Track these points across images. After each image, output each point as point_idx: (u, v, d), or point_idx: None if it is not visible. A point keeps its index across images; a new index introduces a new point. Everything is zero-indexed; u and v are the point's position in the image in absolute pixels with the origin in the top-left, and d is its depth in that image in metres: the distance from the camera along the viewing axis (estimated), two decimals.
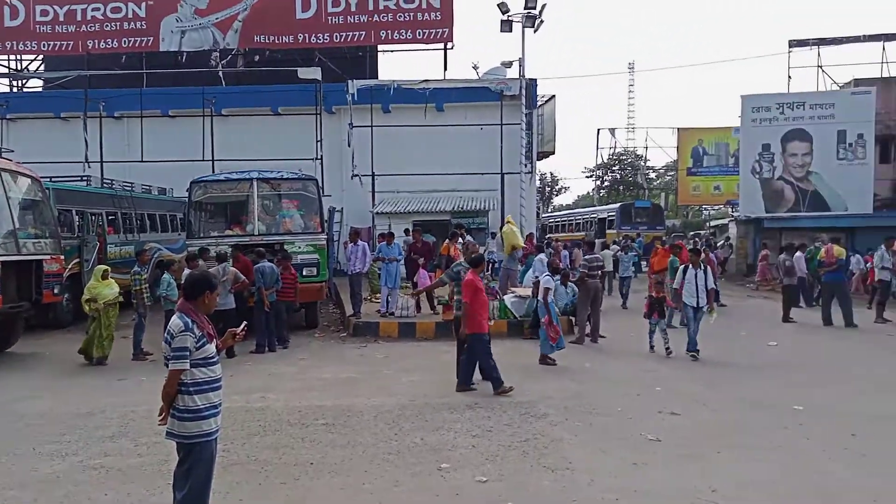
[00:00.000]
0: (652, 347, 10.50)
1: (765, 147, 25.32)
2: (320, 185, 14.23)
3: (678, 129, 39.77)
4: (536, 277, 11.99)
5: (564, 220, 39.87)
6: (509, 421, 6.76)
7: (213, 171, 17.65)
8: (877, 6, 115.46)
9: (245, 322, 4.53)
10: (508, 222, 15.37)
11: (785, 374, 9.15)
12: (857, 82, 26.42)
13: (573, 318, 12.15)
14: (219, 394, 3.97)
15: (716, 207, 45.38)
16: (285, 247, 12.18)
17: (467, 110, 22.98)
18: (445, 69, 25.13)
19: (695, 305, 10.24)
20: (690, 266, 10.51)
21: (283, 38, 25.09)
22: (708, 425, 6.70)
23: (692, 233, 38.79)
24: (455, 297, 8.68)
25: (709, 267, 10.71)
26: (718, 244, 26.01)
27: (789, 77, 27.19)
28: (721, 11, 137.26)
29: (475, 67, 25.68)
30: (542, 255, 13.01)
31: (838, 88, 26.83)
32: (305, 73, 20.47)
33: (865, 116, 24.53)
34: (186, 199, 13.27)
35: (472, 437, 6.22)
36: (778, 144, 25.18)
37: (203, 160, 20.00)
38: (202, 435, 3.87)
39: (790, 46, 27.27)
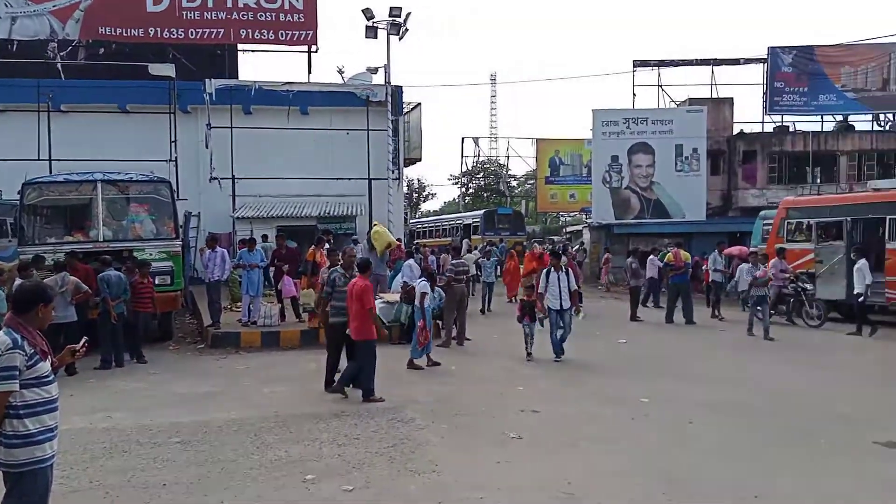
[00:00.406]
0: (529, 355, 10.33)
1: (613, 158, 27.24)
2: (174, 188, 13.42)
3: (537, 139, 41.75)
4: (405, 282, 12.06)
5: (431, 226, 40.45)
6: (376, 428, 6.72)
7: (51, 172, 16.13)
8: (710, 33, 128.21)
9: (85, 337, 4.15)
10: (375, 226, 15.41)
11: (633, 369, 9.85)
12: (692, 101, 29.13)
13: (440, 322, 12.33)
14: (55, 416, 3.60)
15: (571, 214, 48.09)
16: (135, 254, 11.36)
17: (333, 115, 22.69)
18: (310, 72, 24.70)
19: (557, 308, 10.29)
20: (552, 269, 10.54)
21: (132, 31, 23.46)
22: (565, 420, 7.05)
23: (549, 238, 40.76)
24: (334, 304, 8.36)
25: (570, 269, 10.82)
26: (574, 249, 27.52)
27: (634, 94, 29.46)
28: (577, 29, 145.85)
29: (341, 72, 25.44)
30: (410, 261, 13.10)
31: (676, 106, 29.41)
32: (157, 69, 19.23)
33: (699, 132, 27.13)
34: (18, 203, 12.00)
35: (338, 447, 6.12)
36: (625, 156, 27.19)
37: (39, 159, 18.19)
38: (34, 462, 3.49)
39: (635, 66, 29.54)
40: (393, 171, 22.19)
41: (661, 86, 29.71)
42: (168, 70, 19.21)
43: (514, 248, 27.20)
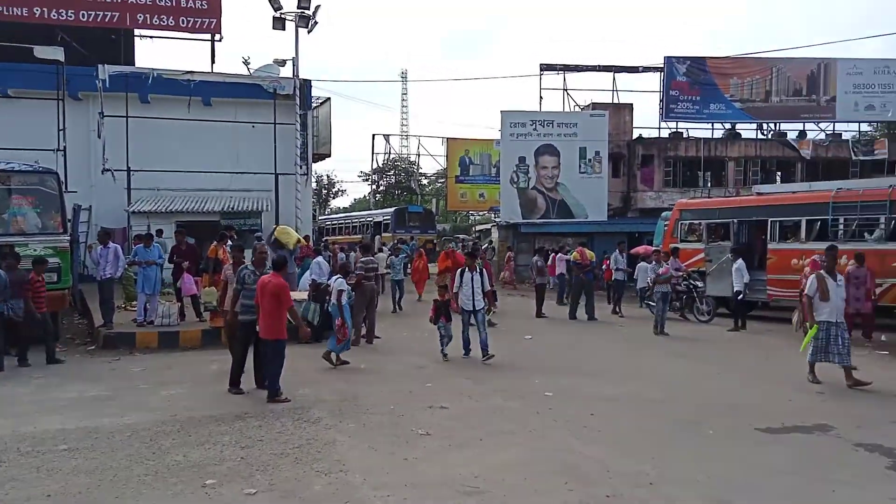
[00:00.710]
0: (445, 356, 10.17)
1: (521, 159, 27.89)
2: (62, 179, 12.56)
3: (447, 138, 42.08)
4: (314, 280, 11.81)
5: (341, 223, 39.98)
6: (281, 428, 6.56)
7: None
8: (611, 42, 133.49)
9: None
10: (279, 227, 15.18)
11: (538, 364, 10.11)
12: (595, 106, 30.25)
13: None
14: None
15: (481, 213, 48.81)
16: (16, 249, 10.54)
17: (238, 107, 21.92)
18: (213, 62, 23.82)
19: (471, 308, 10.11)
20: (466, 269, 10.33)
21: (15, 9, 21.71)
22: (473, 416, 7.14)
23: (460, 236, 41.21)
24: (243, 301, 8.10)
25: (485, 269, 10.58)
26: (483, 247, 27.97)
27: (541, 97, 30.27)
28: (485, 30, 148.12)
29: (246, 63, 24.73)
30: (319, 258, 12.85)
31: (580, 110, 30.45)
32: (44, 52, 17.91)
33: (601, 136, 28.22)
34: None
35: (241, 449, 5.92)
36: (532, 157, 27.90)
37: None
38: None
39: (541, 70, 30.36)
40: (301, 167, 21.72)
41: (566, 90, 30.69)
42: (56, 53, 17.93)
43: (425, 245, 27.29)
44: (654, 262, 14.18)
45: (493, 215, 39.10)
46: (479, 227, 44.99)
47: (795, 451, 6.00)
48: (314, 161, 27.07)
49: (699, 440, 6.35)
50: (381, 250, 21.38)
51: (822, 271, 9.02)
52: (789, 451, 6.03)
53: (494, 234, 30.24)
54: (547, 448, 6.05)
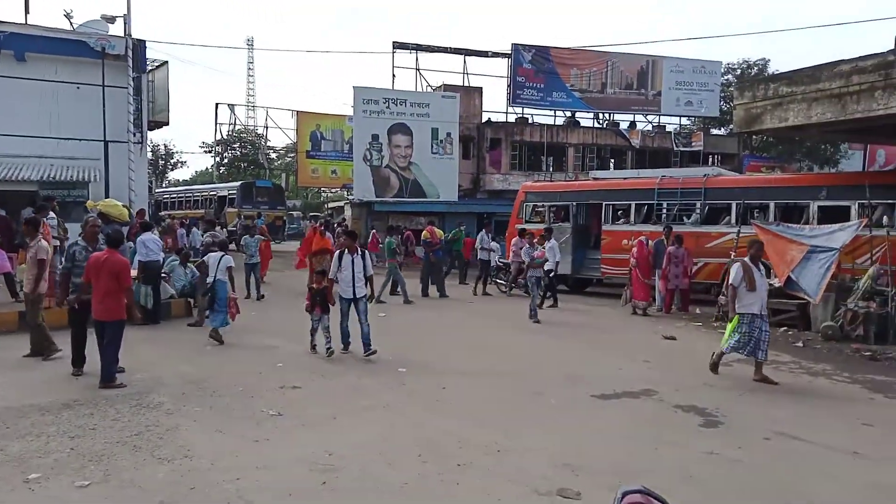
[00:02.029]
0: (314, 347, 9.07)
1: (374, 137, 27.73)
2: None
3: (297, 112, 40.76)
4: (139, 261, 10.93)
5: (181, 197, 37.52)
6: (117, 416, 6.09)
7: None
8: (463, 25, 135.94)
9: None
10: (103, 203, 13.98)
11: (392, 341, 10.15)
12: (446, 87, 30.72)
13: (192, 301, 11.53)
14: None
15: (333, 190, 47.99)
16: None
17: (59, 64, 19.69)
18: (27, 13, 21.11)
19: (350, 297, 8.82)
20: (346, 251, 8.93)
21: None
22: (326, 394, 7.07)
23: (311, 214, 40.30)
24: (74, 280, 7.42)
25: (366, 251, 9.36)
26: (321, 224, 27.54)
27: (394, 75, 30.18)
28: (342, 4, 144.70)
29: (69, 17, 22.08)
30: (146, 236, 11.36)
31: (432, 91, 30.79)
32: None
33: (452, 118, 28.77)
34: None
35: (70, 440, 5.42)
36: (385, 136, 27.83)
37: None
38: None
39: (394, 48, 30.24)
40: (135, 134, 20.05)
41: (419, 69, 30.86)
42: None
43: (274, 222, 26.39)
44: (527, 245, 13.28)
45: (346, 192, 38.62)
46: (331, 205, 44.26)
47: (625, 415, 6.59)
48: (150, 129, 25.11)
49: (544, 409, 6.75)
50: (224, 226, 20.39)
51: (746, 259, 8.28)
52: (620, 415, 6.60)
53: (347, 212, 29.96)
54: (401, 423, 6.15)
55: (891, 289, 10.66)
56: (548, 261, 13.54)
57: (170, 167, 56.77)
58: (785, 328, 11.65)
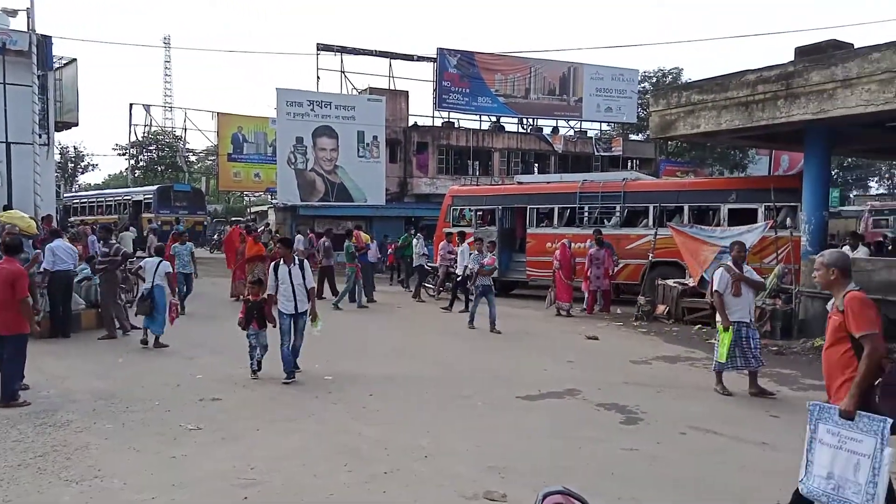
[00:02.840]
0: (255, 372, 8.01)
1: (298, 140, 27.26)
2: None
3: (218, 113, 39.57)
4: (45, 269, 10.29)
5: (93, 202, 35.69)
6: (20, 437, 5.71)
7: None
8: (388, 29, 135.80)
9: None
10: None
11: (319, 349, 9.96)
12: (372, 91, 30.57)
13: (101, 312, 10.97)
14: None
15: (256, 194, 46.82)
16: None
17: None
18: None
19: (291, 312, 7.91)
20: (282, 261, 8.00)
21: None
22: (248, 405, 6.86)
23: (233, 218, 39.19)
24: None
25: (305, 261, 8.33)
26: (259, 230, 26.89)
27: (318, 77, 29.79)
28: (263, 3, 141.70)
29: None
30: (58, 242, 10.77)
31: (358, 94, 30.56)
32: None
33: (378, 121, 28.65)
34: None
35: None
36: (310, 138, 27.42)
37: None
38: None
39: (318, 49, 29.85)
40: (40, 136, 18.91)
41: (343, 72, 30.57)
42: None
43: (194, 227, 25.55)
44: (475, 252, 12.53)
45: (269, 196, 37.76)
46: (254, 209, 43.17)
47: (550, 415, 6.70)
48: (58, 130, 23.76)
49: (470, 412, 6.79)
50: (126, 229, 19.67)
51: (729, 263, 7.87)
52: (545, 415, 6.72)
53: (271, 216, 29.27)
54: (326, 432, 6.03)
55: (795, 286, 11.33)
56: (495, 268, 12.94)
57: (80, 170, 53.94)
58: (699, 326, 12.17)
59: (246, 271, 14.82)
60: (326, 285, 15.95)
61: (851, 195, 46.76)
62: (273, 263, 8.20)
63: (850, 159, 41.01)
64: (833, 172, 41.83)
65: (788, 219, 13.05)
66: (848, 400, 3.72)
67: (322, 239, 17.23)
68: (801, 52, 11.25)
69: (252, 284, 8.61)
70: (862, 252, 11.78)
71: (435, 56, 31.77)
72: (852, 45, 10.80)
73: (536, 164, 34.69)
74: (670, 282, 13.40)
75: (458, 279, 14.51)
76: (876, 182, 54.07)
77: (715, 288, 7.65)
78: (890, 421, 3.58)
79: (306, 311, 8.05)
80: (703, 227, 13.35)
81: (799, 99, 10.59)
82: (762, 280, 7.51)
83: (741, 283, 7.55)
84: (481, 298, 11.95)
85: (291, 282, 7.87)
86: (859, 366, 3.76)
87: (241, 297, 14.47)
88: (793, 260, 11.73)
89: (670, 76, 40.08)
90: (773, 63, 11.09)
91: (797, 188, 12.25)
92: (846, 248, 12.01)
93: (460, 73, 32.30)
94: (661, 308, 13.21)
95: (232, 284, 15.43)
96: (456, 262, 16.20)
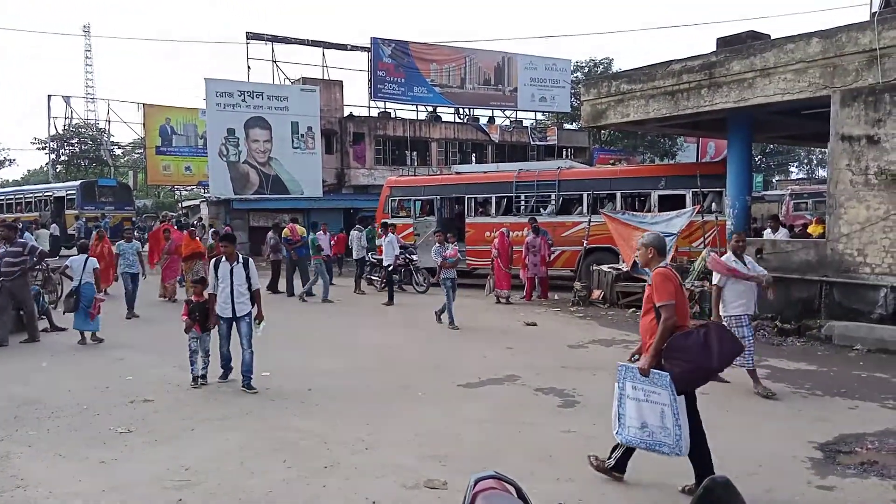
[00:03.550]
0: (196, 379, 7.37)
1: (230, 131, 26.54)
2: None
3: (144, 104, 38.08)
4: None
5: (11, 199, 33.83)
6: None
7: None
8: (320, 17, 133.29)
9: None
10: None
11: (256, 342, 9.80)
12: (305, 80, 30.01)
13: (22, 315, 10.42)
14: None
15: (188, 188, 45.37)
16: None
17: None
18: None
19: (229, 316, 7.30)
20: (224, 259, 7.31)
21: None
22: (181, 405, 6.66)
23: (163, 213, 37.86)
24: None
25: (250, 259, 7.56)
26: (192, 224, 26.07)
27: (248, 67, 29.02)
28: None
29: None
30: None
31: (290, 84, 29.95)
32: None
33: (313, 111, 28.18)
34: None
35: None
36: (242, 130, 26.73)
37: None
38: None
39: (248, 38, 29.07)
40: None
41: (275, 61, 29.88)
42: None
43: (121, 224, 24.65)
44: (437, 244, 11.93)
45: (202, 190, 36.65)
46: (186, 203, 41.76)
47: (490, 402, 6.78)
48: None
49: (411, 402, 6.79)
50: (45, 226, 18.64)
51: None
52: (485, 401, 6.79)
53: (204, 211, 28.41)
54: (264, 428, 5.93)
55: None
56: (459, 260, 12.31)
57: None
58: (633, 309, 12.53)
59: (182, 270, 14.45)
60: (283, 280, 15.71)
61: (774, 180, 48.95)
62: (213, 260, 7.54)
63: (771, 145, 42.99)
64: (756, 158, 43.83)
65: (714, 203, 13.57)
66: (644, 360, 4.48)
67: (269, 233, 16.94)
68: (722, 42, 11.68)
69: (194, 284, 8.01)
70: (782, 234, 12.36)
71: (369, 45, 31.43)
72: (769, 36, 11.29)
73: (474, 154, 34.88)
74: (605, 267, 13.74)
75: (387, 270, 14.46)
76: (796, 167, 56.83)
77: (715, 282, 7.16)
78: (667, 374, 4.33)
79: (247, 314, 7.32)
80: (634, 213, 13.73)
81: (721, 88, 11.00)
82: (759, 274, 7.05)
83: (739, 276, 6.98)
84: (451, 293, 11.23)
85: (231, 282, 7.22)
86: (656, 331, 4.44)
87: (171, 298, 14.18)
88: (719, 243, 12.20)
89: (601, 66, 40.91)
90: (697, 54, 11.48)
91: (722, 174, 12.74)
92: (767, 231, 12.59)
93: (395, 63, 32.07)
94: (596, 293, 13.53)
95: (161, 285, 14.71)
96: (401, 253, 15.86)
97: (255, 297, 7.39)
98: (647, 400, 4.44)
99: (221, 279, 7.27)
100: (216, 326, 7.45)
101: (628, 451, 4.67)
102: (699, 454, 4.45)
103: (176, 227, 16.65)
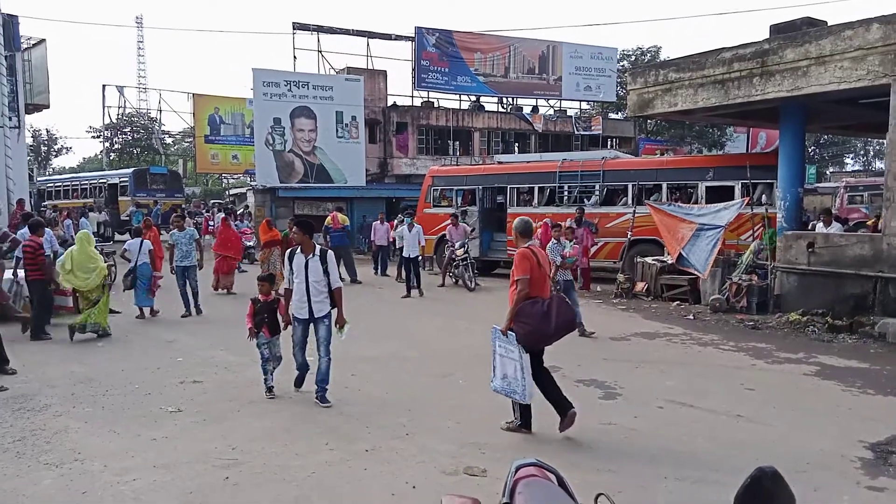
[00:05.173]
0: (270, 389, 6.56)
1: (276, 121, 26.92)
2: None
3: (194, 94, 38.94)
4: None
5: (68, 185, 35.10)
6: None
7: None
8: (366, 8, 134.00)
9: None
10: None
11: None
12: (350, 70, 30.22)
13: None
14: None
15: (235, 176, 46.31)
16: None
17: None
18: None
19: (305, 317, 6.37)
20: (299, 250, 6.38)
21: None
22: (228, 387, 6.85)
23: (213, 201, 38.75)
24: None
25: (328, 251, 6.53)
26: (239, 212, 26.59)
27: (295, 57, 29.38)
28: None
29: None
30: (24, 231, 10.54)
31: (335, 74, 30.21)
32: None
33: (357, 101, 28.35)
34: None
35: None
36: (288, 119, 27.08)
37: None
38: None
39: (294, 29, 29.39)
40: (10, 118, 18.53)
41: (321, 51, 30.17)
42: None
43: (173, 210, 25.30)
44: (553, 241, 9.91)
45: (248, 178, 37.34)
46: (233, 191, 42.67)
47: None
48: (28, 112, 23.28)
49: (451, 391, 6.84)
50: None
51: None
52: None
53: (250, 199, 28.96)
54: (307, 413, 6.06)
55: (770, 262, 11.50)
56: (577, 259, 10.95)
57: (53, 154, 52.96)
58: (678, 302, 12.33)
59: (261, 259, 14.04)
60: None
61: (828, 172, 47.37)
62: (288, 252, 6.54)
63: (825, 136, 41.51)
64: (810, 149, 42.42)
65: (764, 196, 13.21)
66: (504, 323, 5.53)
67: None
68: (775, 29, 11.31)
69: (262, 281, 6.85)
70: (835, 228, 11.97)
71: (413, 35, 31.45)
72: (826, 22, 10.89)
73: (517, 144, 34.64)
74: (649, 259, 13.53)
75: (409, 260, 13.91)
76: (851, 158, 54.83)
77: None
78: (512, 334, 5.41)
79: (326, 315, 6.32)
80: (680, 204, 13.47)
81: (774, 76, 10.67)
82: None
83: None
84: (569, 293, 9.52)
85: (307, 277, 6.21)
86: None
87: (229, 290, 13.64)
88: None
89: (648, 55, 40.10)
90: (749, 41, 11.15)
91: (773, 165, 12.37)
92: (820, 225, 12.21)
93: (439, 53, 32.02)
94: (640, 285, 13.34)
95: (214, 275, 13.94)
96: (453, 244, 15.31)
97: (334, 297, 6.36)
98: (507, 356, 5.47)
99: (296, 274, 6.28)
100: (288, 328, 6.54)
101: (527, 409, 5.49)
102: (552, 396, 5.52)
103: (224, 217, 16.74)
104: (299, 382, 6.70)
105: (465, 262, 14.82)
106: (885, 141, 10.35)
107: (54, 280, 9.42)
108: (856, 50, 9.70)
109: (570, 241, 10.36)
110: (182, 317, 11.07)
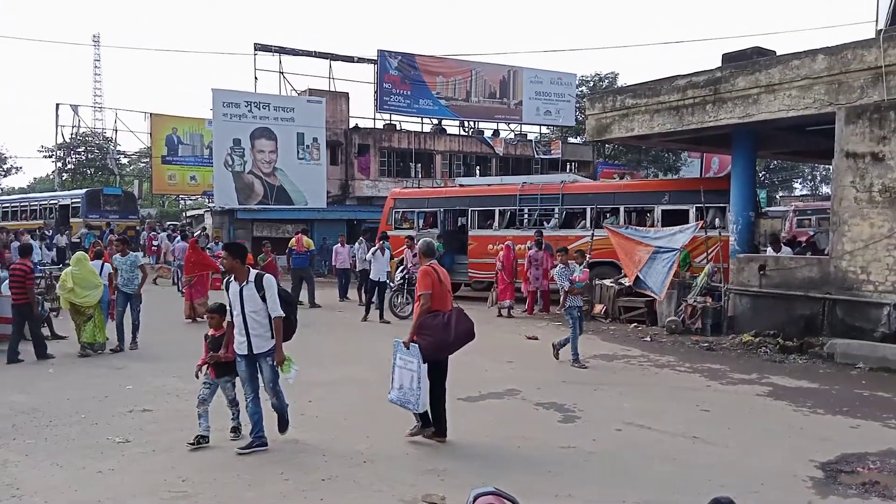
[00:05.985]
0: (199, 440, 5.67)
1: (235, 142, 26.64)
2: None
3: (151, 114, 38.31)
4: None
5: (17, 206, 34.01)
6: None
7: None
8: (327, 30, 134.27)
9: None
10: None
11: None
12: (311, 92, 30.15)
13: None
14: None
15: (193, 197, 45.51)
16: None
17: None
18: None
19: (245, 353, 5.62)
20: (233, 278, 5.64)
21: None
22: (180, 416, 6.62)
23: (168, 223, 37.96)
24: None
25: (265, 276, 5.66)
26: (196, 234, 26.11)
27: (256, 78, 29.17)
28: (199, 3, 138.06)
29: None
30: None
31: (297, 95, 30.09)
32: None
33: (318, 123, 28.28)
34: None
35: None
36: (247, 140, 26.83)
37: None
38: None
39: (255, 50, 29.23)
40: None
41: (282, 73, 30.05)
42: None
43: (125, 232, 24.71)
44: (561, 265, 9.72)
45: (206, 200, 36.74)
46: (190, 213, 41.89)
47: (490, 416, 6.75)
48: None
49: (410, 416, 6.73)
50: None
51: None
52: (486, 415, 6.76)
53: (208, 220, 28.50)
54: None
55: (723, 285, 11.76)
56: (587, 284, 10.84)
57: (2, 173, 51.29)
58: (635, 324, 12.49)
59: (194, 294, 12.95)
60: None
61: (777, 196, 48.89)
62: (225, 280, 5.89)
63: (775, 161, 42.95)
64: (760, 174, 43.76)
65: (717, 219, 13.53)
66: (407, 336, 5.78)
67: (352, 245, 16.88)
68: (727, 58, 11.71)
69: (210, 314, 6.16)
70: (785, 252, 12.31)
71: (376, 58, 31.60)
72: (775, 52, 11.31)
73: (478, 167, 34.91)
74: (607, 281, 13.70)
75: (374, 286, 13.62)
76: (800, 183, 56.75)
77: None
78: (415, 346, 5.68)
79: (269, 351, 5.61)
80: (637, 227, 13.71)
81: (726, 104, 11.02)
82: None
83: None
84: (577, 323, 9.36)
85: (242, 308, 5.53)
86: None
87: (198, 317, 12.39)
88: (721, 259, 12.16)
89: (606, 81, 41.02)
90: (702, 69, 11.51)
91: (726, 190, 12.72)
92: (769, 251, 12.55)
93: (401, 76, 32.20)
94: (598, 307, 13.49)
95: (186, 303, 13.22)
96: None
97: (274, 328, 5.60)
98: (405, 367, 5.73)
99: (233, 304, 5.60)
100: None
101: (425, 416, 5.83)
102: (436, 412, 5.87)
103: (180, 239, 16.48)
104: (281, 427, 5.88)
105: (399, 289, 13.99)
106: (830, 167, 10.75)
107: (36, 304, 9.51)
108: (803, 79, 10.09)
109: (581, 266, 9.76)
110: (112, 351, 9.82)
